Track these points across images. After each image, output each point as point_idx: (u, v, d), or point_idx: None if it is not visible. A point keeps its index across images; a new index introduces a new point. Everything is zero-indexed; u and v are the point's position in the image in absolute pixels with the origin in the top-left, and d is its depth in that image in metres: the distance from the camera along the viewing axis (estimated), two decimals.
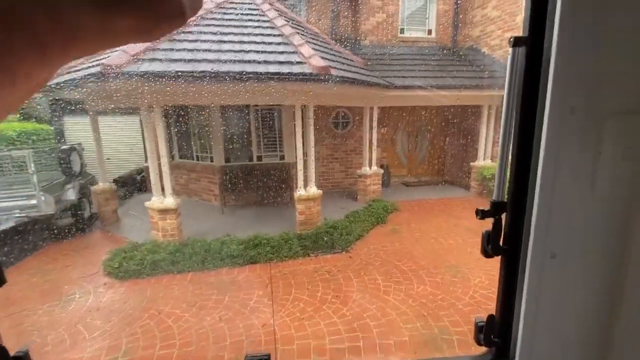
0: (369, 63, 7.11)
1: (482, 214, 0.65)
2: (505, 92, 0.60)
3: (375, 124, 6.88)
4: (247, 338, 2.89)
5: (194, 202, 7.26)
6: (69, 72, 4.92)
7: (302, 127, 5.22)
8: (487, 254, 0.67)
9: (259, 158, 7.05)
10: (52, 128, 8.35)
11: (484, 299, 3.35)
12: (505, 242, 0.66)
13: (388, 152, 8.73)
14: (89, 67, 4.37)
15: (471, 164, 7.83)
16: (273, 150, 7.13)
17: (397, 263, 4.20)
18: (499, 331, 0.70)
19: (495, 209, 0.65)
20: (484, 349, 0.75)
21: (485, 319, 0.71)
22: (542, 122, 0.57)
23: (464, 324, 2.97)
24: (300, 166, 5.26)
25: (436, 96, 6.83)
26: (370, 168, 7.05)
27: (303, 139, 5.32)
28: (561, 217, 0.60)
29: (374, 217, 5.78)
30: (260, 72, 4.11)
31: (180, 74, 3.98)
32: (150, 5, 0.27)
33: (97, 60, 4.41)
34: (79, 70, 4.54)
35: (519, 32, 0.60)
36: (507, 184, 0.64)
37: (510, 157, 0.63)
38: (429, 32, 8.67)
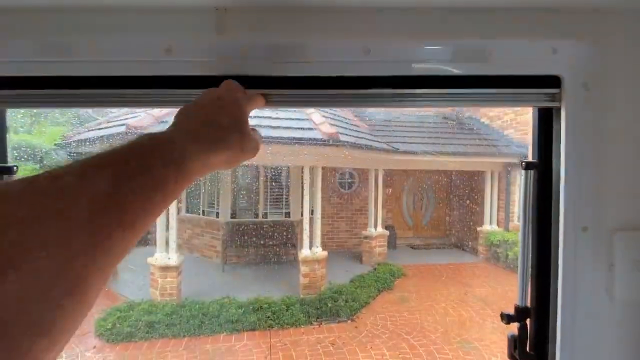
0: (374, 129, 7.51)
1: (507, 319, 0.66)
2: (520, 211, 0.65)
3: (380, 184, 7.02)
4: None
5: (194, 258, 7.11)
6: (93, 130, 5.25)
7: (310, 186, 5.34)
8: (514, 359, 0.66)
9: (265, 215, 7.08)
10: None
11: None
12: (532, 348, 0.66)
13: (393, 212, 8.74)
14: (115, 126, 4.68)
15: (478, 228, 7.75)
16: (279, 207, 7.19)
17: (406, 337, 3.93)
18: None
19: (520, 314, 0.66)
20: None
21: None
22: (557, 239, 0.61)
23: None
24: (305, 225, 5.26)
25: (438, 161, 7.06)
26: (375, 229, 7.00)
27: (310, 197, 5.40)
28: (584, 325, 0.61)
29: (380, 283, 5.57)
30: (274, 137, 4.36)
31: None
32: (239, 144, 0.40)
33: (122, 120, 4.73)
34: (104, 129, 4.86)
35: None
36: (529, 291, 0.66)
37: (530, 267, 0.66)
38: None
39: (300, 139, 4.48)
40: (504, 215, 7.69)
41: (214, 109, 0.41)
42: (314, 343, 3.79)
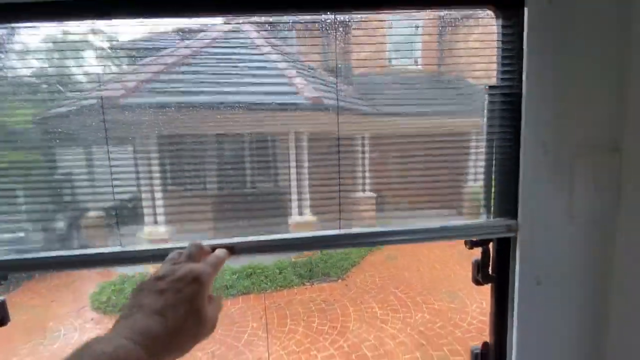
0: (360, 92, 7.37)
1: (470, 244, 0.68)
2: (484, 133, 0.65)
3: (367, 149, 7.03)
4: None
5: (185, 231, 7.14)
6: (64, 106, 4.99)
7: (296, 154, 5.31)
8: (478, 282, 0.69)
9: (253, 185, 7.07)
10: (43, 158, 8.32)
11: (482, 324, 3.30)
12: (494, 270, 0.69)
13: (380, 177, 8.85)
14: (86, 99, 4.44)
15: (462, 189, 7.95)
16: (267, 177, 7.16)
17: (394, 290, 4.13)
18: (494, 358, 0.71)
19: (483, 239, 0.68)
20: None
21: (480, 347, 0.71)
22: (518, 161, 0.62)
23: (463, 352, 2.90)
24: (294, 192, 5.29)
25: (424, 123, 7.06)
26: (363, 193, 7.11)
27: (297, 165, 5.39)
28: (544, 246, 0.64)
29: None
30: (256, 103, 4.22)
31: (178, 104, 4.07)
32: (194, 340, 0.46)
33: (95, 93, 4.49)
34: (76, 102, 4.61)
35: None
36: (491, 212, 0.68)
37: (493, 192, 0.67)
38: (416, 61, 9.10)
39: (284, 104, 4.37)
40: None
41: (174, 302, 0.42)
42: (306, 302, 3.96)
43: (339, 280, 4.52)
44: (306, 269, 4.67)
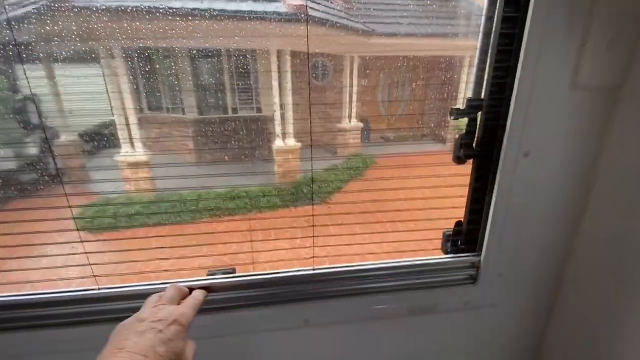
0: (350, 6, 6.66)
1: (456, 113, 0.62)
2: None
3: (355, 74, 6.64)
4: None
5: (167, 157, 6.99)
6: (13, 9, 4.31)
7: (279, 77, 4.96)
8: (459, 159, 0.65)
9: (234, 110, 6.74)
10: (3, 78, 7.53)
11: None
12: (479, 144, 0.64)
13: (368, 105, 8.59)
14: (35, 1, 3.82)
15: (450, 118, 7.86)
16: (249, 102, 6.81)
17: (374, 212, 4.33)
18: (466, 235, 0.71)
19: (471, 107, 0.62)
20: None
21: (453, 229, 0.71)
22: (527, 7, 0.52)
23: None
24: (277, 118, 5.09)
25: (420, 44, 6.60)
26: (349, 121, 6.95)
27: (280, 89, 5.08)
28: (538, 115, 0.58)
29: (352, 171, 5.83)
30: (230, 10, 3.74)
31: (141, 8, 3.56)
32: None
33: None
34: (25, 6, 3.97)
35: None
36: (484, 82, 0.60)
37: (490, 50, 0.58)
38: None
39: (262, 12, 3.88)
40: None
41: (155, 343, 0.43)
42: (290, 222, 4.12)
43: (322, 204, 4.66)
44: (289, 193, 4.76)
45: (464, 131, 0.64)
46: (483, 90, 0.60)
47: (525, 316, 0.82)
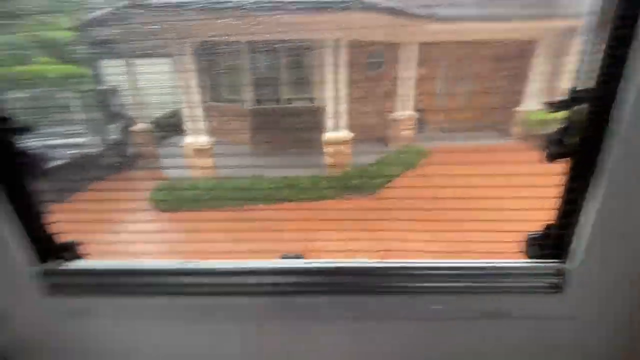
0: None
1: (557, 106, 0.54)
2: None
3: (412, 63, 6.35)
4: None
5: (226, 144, 7.43)
6: (99, 9, 4.86)
7: (333, 68, 4.94)
8: (552, 156, 0.57)
9: (289, 101, 6.90)
10: (90, 71, 8.56)
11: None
12: (581, 141, 0.56)
13: (425, 95, 8.18)
14: (117, 1, 4.26)
15: (517, 109, 7.18)
16: (303, 92, 6.91)
17: (428, 207, 4.15)
18: (554, 240, 0.64)
19: (573, 99, 0.54)
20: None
21: (540, 232, 0.65)
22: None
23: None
24: (330, 108, 5.10)
25: (485, 29, 6.07)
26: (404, 112, 6.71)
27: (334, 80, 5.07)
28: None
29: (405, 163, 5.64)
30: (288, 1, 3.79)
31: (210, 5, 3.78)
32: None
33: None
34: (107, 7, 4.46)
35: None
36: (593, 70, 0.52)
37: (600, 35, 0.51)
38: None
39: (319, 2, 3.87)
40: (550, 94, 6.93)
41: None
42: (340, 213, 4.14)
43: (372, 196, 4.61)
44: (340, 183, 4.77)
45: (559, 126, 0.57)
46: (593, 79, 0.52)
47: (608, 332, 0.73)
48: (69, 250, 0.77)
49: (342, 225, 3.78)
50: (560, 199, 0.61)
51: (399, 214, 4.03)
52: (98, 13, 4.45)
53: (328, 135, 5.21)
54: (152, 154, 6.51)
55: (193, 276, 0.74)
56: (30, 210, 0.70)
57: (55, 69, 6.60)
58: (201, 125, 5.04)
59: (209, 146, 5.06)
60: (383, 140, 7.22)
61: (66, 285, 0.75)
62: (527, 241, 0.69)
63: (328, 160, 5.24)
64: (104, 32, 5.27)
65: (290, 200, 4.46)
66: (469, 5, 6.09)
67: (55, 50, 6.25)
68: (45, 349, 0.81)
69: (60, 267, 0.76)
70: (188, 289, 0.74)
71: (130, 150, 6.49)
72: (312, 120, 6.74)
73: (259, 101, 6.85)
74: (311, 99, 6.90)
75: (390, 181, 5.01)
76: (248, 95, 6.76)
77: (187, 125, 5.09)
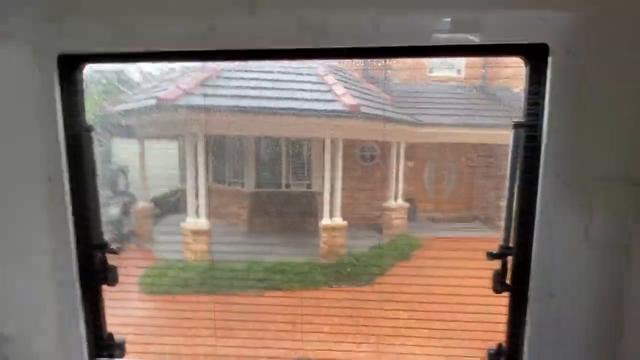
0: (398, 101, 7.37)
1: (492, 256, 0.78)
2: (509, 165, 0.74)
3: (402, 157, 7.00)
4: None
5: (222, 225, 7.54)
6: (127, 102, 5.54)
7: (331, 159, 5.46)
8: (496, 290, 0.78)
9: (287, 186, 7.32)
10: (101, 148, 9.12)
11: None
12: (512, 281, 0.78)
13: (415, 185, 8.72)
14: (146, 99, 4.92)
15: (500, 203, 7.63)
16: (301, 179, 7.38)
17: (421, 300, 4.13)
18: (507, 358, 0.79)
19: (503, 253, 0.77)
20: None
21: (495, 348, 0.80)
22: (536, 190, 0.71)
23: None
24: (326, 195, 5.43)
25: (464, 134, 6.90)
26: (395, 201, 7.08)
27: (331, 169, 5.53)
28: (559, 261, 0.72)
29: (398, 252, 5.74)
30: (296, 108, 4.46)
31: (227, 107, 4.41)
32: None
33: (152, 93, 4.97)
34: (136, 102, 5.12)
35: None
36: (511, 232, 0.77)
37: (513, 210, 0.76)
38: (458, 71, 8.88)
39: (322, 111, 4.54)
40: None
41: None
42: (334, 303, 4.08)
43: (367, 286, 4.59)
44: (334, 271, 4.79)
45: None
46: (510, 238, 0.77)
47: None
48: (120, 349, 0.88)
49: (337, 319, 3.70)
50: (508, 326, 0.80)
51: (393, 305, 3.98)
52: (128, 107, 5.07)
53: (323, 222, 5.42)
54: (148, 233, 6.57)
55: None
56: (99, 311, 0.84)
57: None
58: (204, 205, 5.27)
59: (208, 228, 5.19)
60: (377, 228, 7.43)
61: None
62: (487, 356, 0.83)
63: (323, 247, 5.35)
64: (127, 121, 5.90)
65: (281, 289, 4.41)
66: (448, 115, 7.04)
67: None
68: None
69: None
70: None
71: (127, 228, 6.56)
72: (309, 204, 7.04)
73: (259, 185, 7.26)
74: (309, 185, 7.34)
75: (385, 271, 5.04)
76: (249, 179, 7.19)
77: (190, 205, 5.32)
